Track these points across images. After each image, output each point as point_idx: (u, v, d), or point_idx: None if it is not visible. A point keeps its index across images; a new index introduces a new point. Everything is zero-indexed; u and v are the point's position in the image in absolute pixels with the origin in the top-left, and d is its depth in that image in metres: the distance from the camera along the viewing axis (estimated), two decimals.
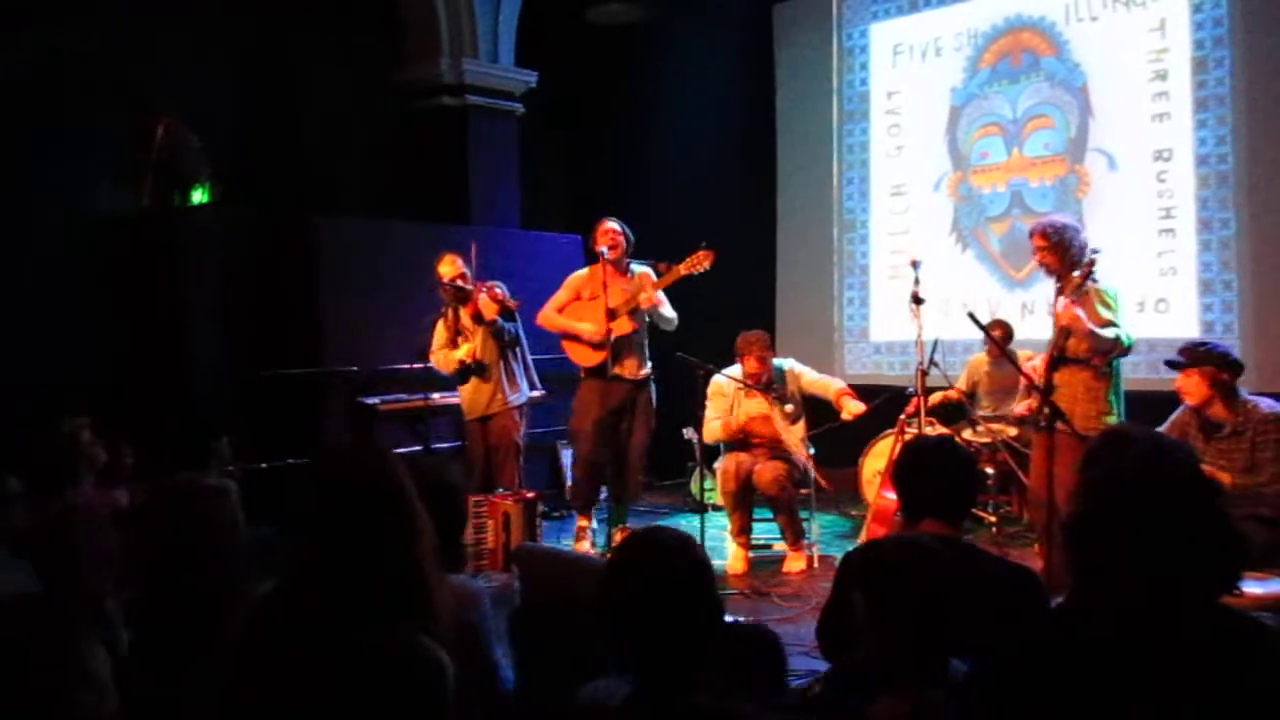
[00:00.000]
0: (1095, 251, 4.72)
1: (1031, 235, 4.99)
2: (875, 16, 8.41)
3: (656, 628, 1.86)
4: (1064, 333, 4.76)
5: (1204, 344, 4.74)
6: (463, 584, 2.54)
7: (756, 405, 5.91)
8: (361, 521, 1.81)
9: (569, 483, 7.77)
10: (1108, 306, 4.72)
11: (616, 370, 6.01)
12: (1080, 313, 4.60)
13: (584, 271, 6.34)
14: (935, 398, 6.66)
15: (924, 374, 5.87)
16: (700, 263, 5.92)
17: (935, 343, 6.28)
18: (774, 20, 8.93)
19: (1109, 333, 4.64)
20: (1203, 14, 6.76)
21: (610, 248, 6.08)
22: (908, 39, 8.22)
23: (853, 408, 5.82)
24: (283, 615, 1.83)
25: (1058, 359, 4.81)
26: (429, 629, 1.81)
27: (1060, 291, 4.90)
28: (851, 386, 6.08)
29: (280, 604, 1.86)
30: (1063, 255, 4.84)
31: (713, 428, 5.94)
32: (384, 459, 1.93)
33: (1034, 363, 5.11)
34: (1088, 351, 4.75)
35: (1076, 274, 4.68)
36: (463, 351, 6.08)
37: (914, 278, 5.84)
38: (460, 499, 2.65)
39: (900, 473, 2.90)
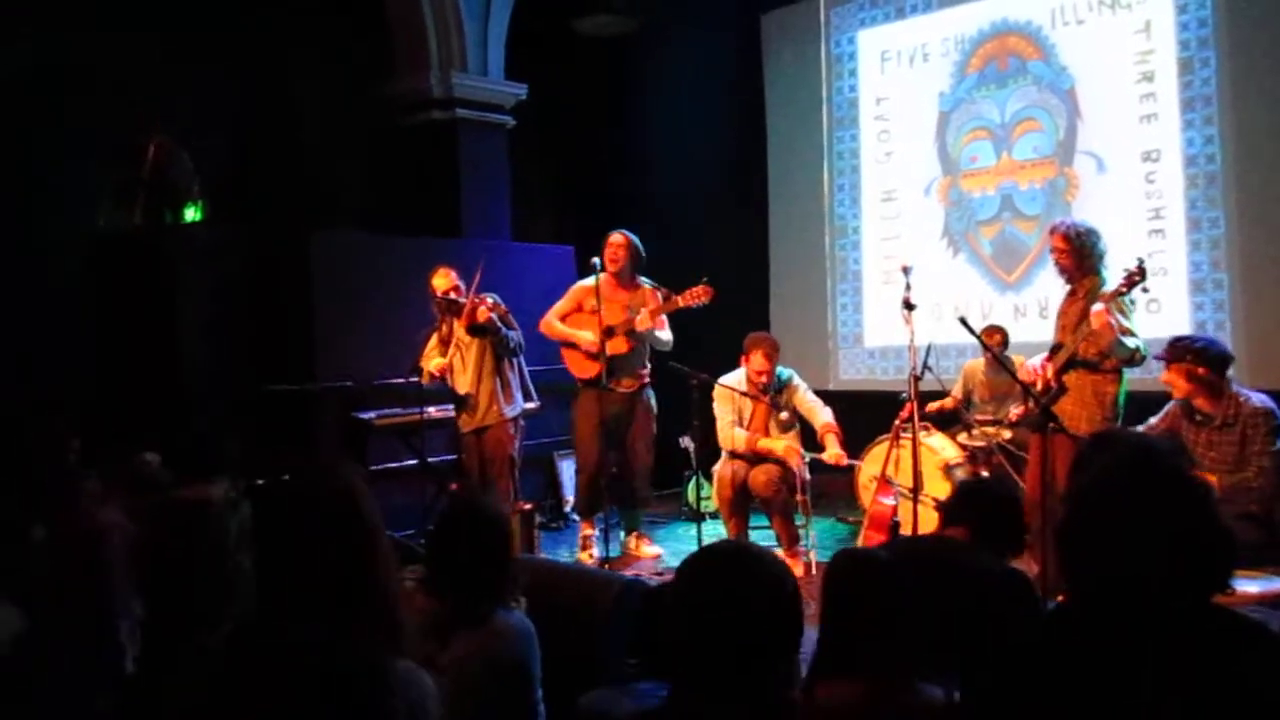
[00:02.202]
0: (1141, 261, 4.68)
1: (1052, 234, 5.03)
2: (863, 24, 8.44)
3: (736, 647, 1.76)
4: (1077, 334, 4.78)
5: (1185, 339, 4.77)
6: (517, 621, 2.52)
7: (760, 413, 5.92)
8: (323, 545, 1.80)
9: (566, 494, 7.79)
10: (1124, 314, 4.74)
11: (612, 385, 6.06)
12: (1113, 321, 4.63)
13: (589, 282, 6.34)
14: (931, 407, 6.68)
15: (917, 379, 5.89)
16: (699, 297, 5.99)
17: (928, 347, 6.30)
18: (762, 29, 8.97)
19: (1131, 342, 4.69)
20: (1187, 15, 6.79)
21: (610, 261, 6.12)
22: (895, 45, 8.25)
23: (834, 453, 5.87)
24: (254, 642, 1.81)
25: (1070, 361, 4.83)
26: (398, 647, 1.81)
27: (1073, 294, 4.94)
28: (846, 392, 6.11)
29: (252, 631, 1.85)
30: (1081, 260, 4.89)
31: (738, 435, 5.91)
32: (348, 484, 1.92)
33: (1033, 363, 5.13)
34: (1097, 355, 4.78)
35: (1121, 282, 4.66)
36: (433, 364, 6.12)
37: (905, 283, 5.86)
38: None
39: (949, 513, 3.09)
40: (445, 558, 2.47)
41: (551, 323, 6.33)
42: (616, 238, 6.23)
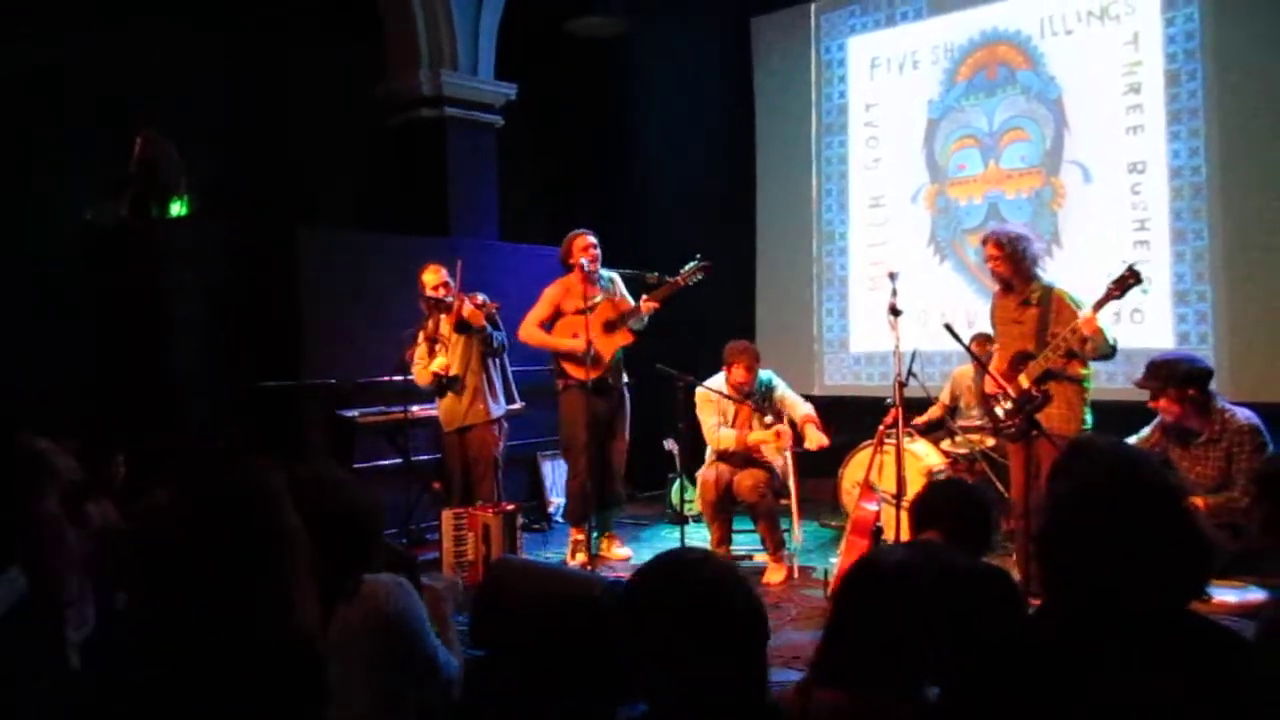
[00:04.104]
0: (1132, 266, 4.69)
1: (984, 244, 5.10)
2: (853, 30, 8.47)
3: (670, 654, 1.75)
4: (1057, 344, 4.81)
5: (1164, 363, 4.76)
6: (382, 579, 2.56)
7: (743, 416, 5.94)
8: (227, 541, 1.88)
9: (550, 496, 7.78)
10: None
11: (611, 382, 6.10)
12: (1102, 325, 4.68)
13: (558, 284, 6.35)
14: (918, 421, 6.71)
15: (902, 385, 5.91)
16: (694, 274, 6.04)
17: (913, 354, 6.32)
18: (752, 34, 8.98)
19: (1110, 338, 4.78)
20: (1175, 27, 6.83)
21: (593, 261, 6.14)
22: (885, 52, 8.27)
23: (814, 438, 5.87)
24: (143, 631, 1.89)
25: (1046, 372, 4.87)
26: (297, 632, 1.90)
27: (1026, 303, 4.99)
28: (831, 397, 6.13)
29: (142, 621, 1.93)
30: (1017, 265, 4.97)
31: (725, 435, 5.92)
32: (257, 479, 1.98)
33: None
34: (1064, 359, 4.82)
35: (1111, 286, 4.69)
36: (437, 364, 6.08)
37: (891, 289, 5.88)
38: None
39: (920, 513, 3.05)
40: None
41: (533, 332, 6.29)
42: (592, 237, 6.23)
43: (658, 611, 1.78)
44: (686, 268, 6.09)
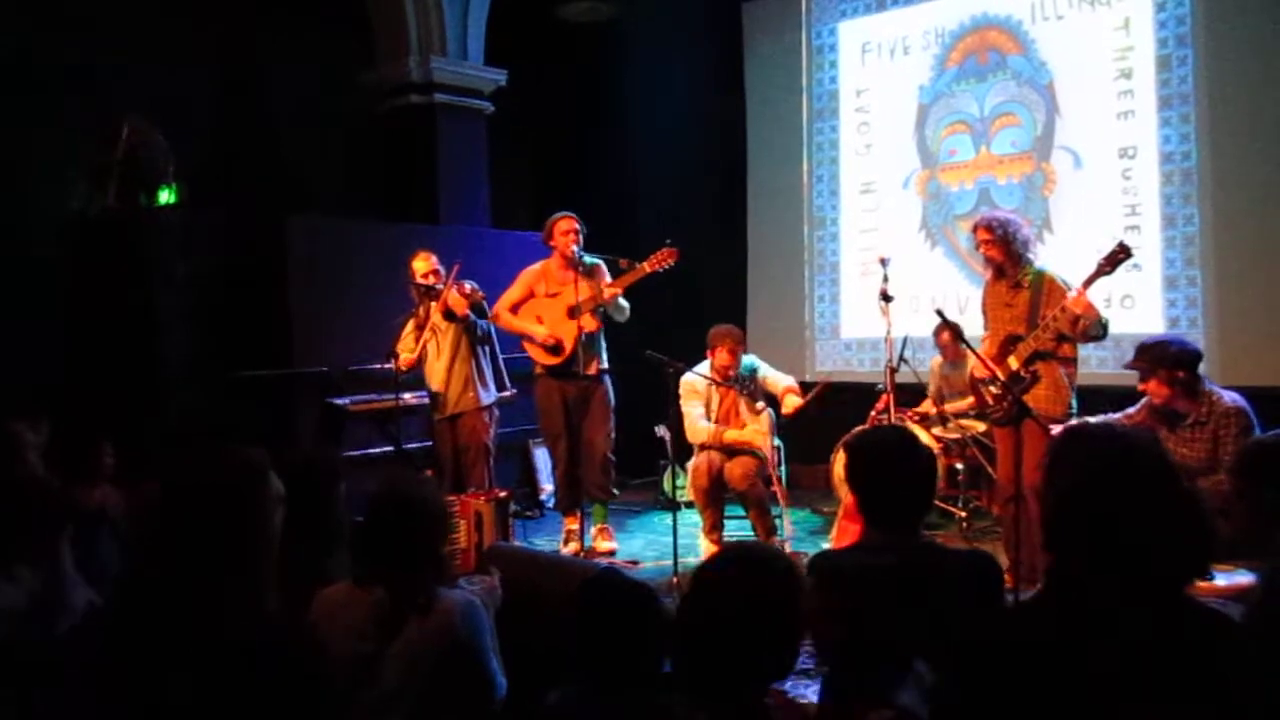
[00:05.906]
0: (1122, 242, 4.72)
1: (975, 230, 5.10)
2: (844, 15, 8.44)
3: (735, 645, 1.83)
4: (1047, 325, 4.82)
5: (1155, 344, 4.76)
6: (457, 599, 2.52)
7: (729, 400, 5.93)
8: (202, 534, 1.89)
9: (542, 482, 7.78)
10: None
11: (576, 368, 6.02)
12: (1092, 303, 4.70)
13: (537, 266, 6.33)
14: (913, 413, 6.72)
15: (893, 371, 5.92)
16: (664, 260, 5.97)
17: (905, 340, 6.34)
18: (743, 19, 8.95)
19: (1101, 317, 4.80)
20: (1166, 13, 6.83)
21: (574, 243, 6.11)
22: (876, 37, 8.26)
23: (791, 402, 5.82)
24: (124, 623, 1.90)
25: (1036, 352, 4.89)
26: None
27: (1017, 286, 5.00)
28: (823, 383, 6.12)
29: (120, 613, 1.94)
30: (1008, 248, 4.98)
31: (701, 429, 5.91)
32: (242, 474, 1.99)
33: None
34: (1055, 340, 4.83)
35: (1102, 261, 4.69)
36: (402, 359, 6.09)
37: (882, 275, 5.89)
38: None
39: (853, 473, 2.82)
40: (382, 547, 2.47)
41: (504, 315, 6.26)
42: (573, 221, 6.18)
43: (733, 597, 1.83)
44: (654, 254, 6.04)
